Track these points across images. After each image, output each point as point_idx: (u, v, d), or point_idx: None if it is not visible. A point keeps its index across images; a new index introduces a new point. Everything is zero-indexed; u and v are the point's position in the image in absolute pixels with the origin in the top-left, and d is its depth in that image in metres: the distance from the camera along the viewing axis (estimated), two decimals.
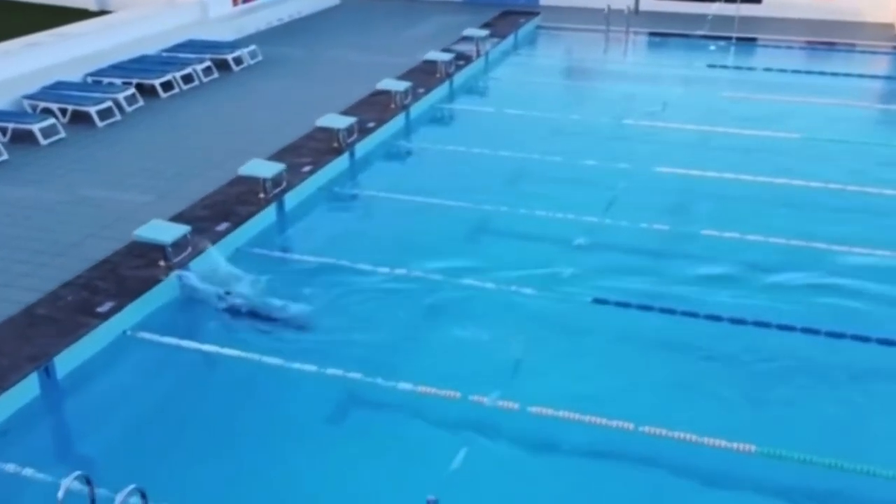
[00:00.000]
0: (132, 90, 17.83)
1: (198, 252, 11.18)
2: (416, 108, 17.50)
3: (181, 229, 11.20)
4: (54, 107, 16.93)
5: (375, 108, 17.11)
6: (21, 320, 9.83)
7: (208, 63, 19.87)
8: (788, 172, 14.57)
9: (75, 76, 18.50)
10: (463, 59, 20.45)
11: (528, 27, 24.52)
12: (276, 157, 14.52)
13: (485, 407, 9.02)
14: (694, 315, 10.68)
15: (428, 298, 11.10)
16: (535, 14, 25.66)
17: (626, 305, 10.90)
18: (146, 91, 18.41)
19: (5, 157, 14.97)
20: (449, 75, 19.19)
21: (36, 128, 15.74)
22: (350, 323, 10.57)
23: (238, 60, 20.70)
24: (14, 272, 11.12)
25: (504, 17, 25.24)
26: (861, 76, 20.50)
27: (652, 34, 24.48)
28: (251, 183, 13.22)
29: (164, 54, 20.41)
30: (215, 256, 11.31)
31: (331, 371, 9.46)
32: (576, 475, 8.42)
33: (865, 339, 10.19)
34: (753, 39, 23.64)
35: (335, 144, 14.98)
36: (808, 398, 9.52)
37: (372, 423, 9.10)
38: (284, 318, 10.44)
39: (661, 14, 25.67)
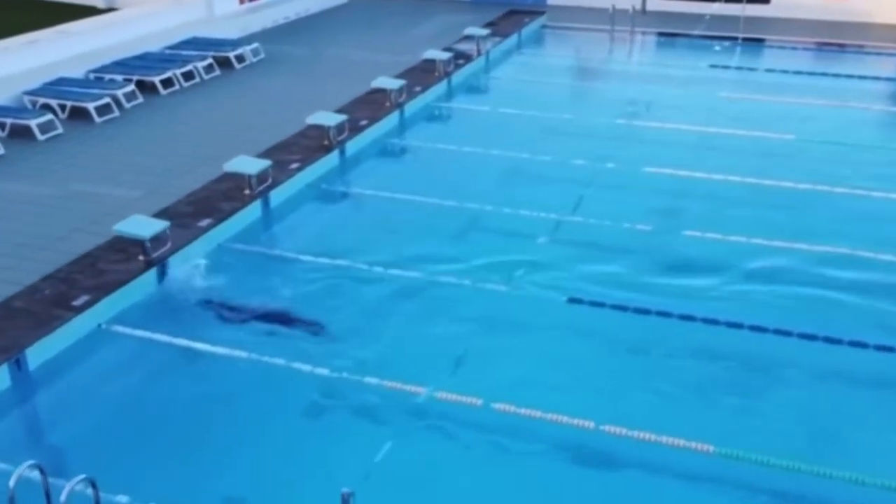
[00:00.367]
0: (132, 87, 18.01)
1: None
2: (412, 107, 17.57)
3: (160, 224, 11.33)
4: (53, 103, 17.15)
5: (371, 106, 17.20)
6: None
7: (210, 60, 20.03)
8: (778, 174, 14.51)
9: (78, 73, 18.68)
10: (463, 59, 20.49)
11: (532, 26, 24.53)
12: (266, 154, 14.64)
13: (450, 402, 9.07)
14: (667, 315, 10.68)
15: (402, 294, 11.18)
16: (541, 13, 25.64)
17: (600, 305, 10.92)
18: (147, 88, 18.59)
19: (2, 151, 15.19)
20: (447, 74, 19.24)
21: (33, 123, 15.95)
22: (323, 317, 10.64)
23: (240, 58, 20.85)
24: None
25: (509, 16, 25.24)
26: (863, 78, 20.32)
27: (657, 34, 24.40)
28: (237, 179, 13.35)
29: (167, 51, 20.58)
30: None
31: (297, 365, 9.55)
32: (531, 472, 8.44)
33: (837, 342, 10.15)
34: (759, 40, 23.52)
35: (325, 142, 15.07)
36: (778, 399, 9.50)
37: (342, 419, 9.15)
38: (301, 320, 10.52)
39: (668, 14, 25.56)
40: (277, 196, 13.50)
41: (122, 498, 7.64)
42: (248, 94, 19.07)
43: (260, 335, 10.36)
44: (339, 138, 15.23)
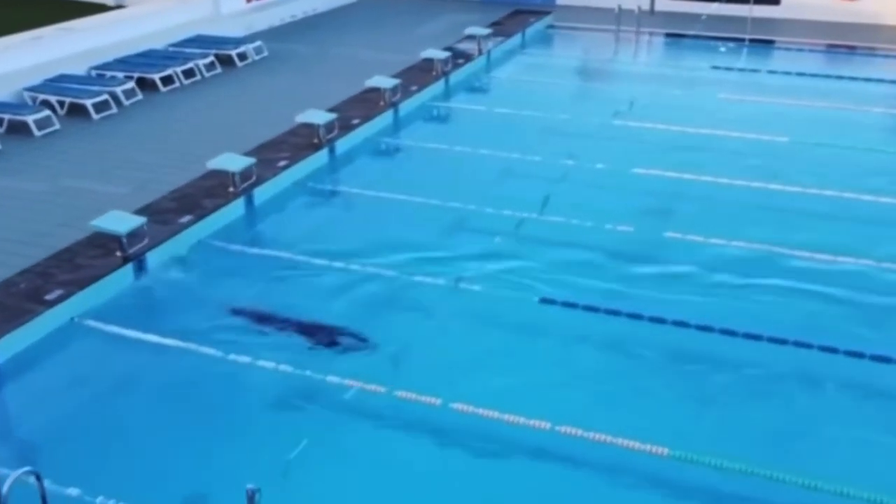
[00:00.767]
0: (131, 84, 18.19)
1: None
2: (407, 106, 17.60)
3: (137, 220, 11.46)
4: (52, 99, 17.35)
5: (365, 105, 17.27)
6: None
7: (212, 58, 20.17)
8: (767, 176, 14.40)
9: (80, 70, 18.89)
10: (463, 58, 20.51)
11: (537, 26, 24.49)
12: (255, 151, 14.74)
13: (409, 402, 9.10)
14: (638, 317, 10.65)
15: (375, 293, 11.22)
16: (547, 13, 25.59)
17: (572, 306, 10.91)
18: (148, 85, 18.76)
19: None
20: (445, 73, 19.26)
21: (30, 119, 16.16)
22: (294, 314, 10.71)
23: (242, 56, 21.00)
24: None
25: (514, 15, 25.22)
26: (868, 80, 20.11)
27: (662, 35, 24.27)
28: (223, 177, 13.45)
29: (171, 49, 20.75)
30: None
31: (262, 363, 9.63)
32: (483, 474, 8.47)
33: (808, 346, 10.08)
34: (766, 41, 23.32)
35: (315, 140, 15.15)
36: (742, 403, 9.47)
37: (308, 416, 9.21)
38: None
39: (677, 14, 25.40)
40: (262, 194, 13.58)
41: (73, 490, 7.72)
42: (248, 91, 19.20)
43: (231, 332, 10.42)
44: (329, 137, 15.30)
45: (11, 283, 10.64)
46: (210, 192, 13.24)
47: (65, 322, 10.28)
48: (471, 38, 21.55)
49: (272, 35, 23.40)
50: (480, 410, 8.93)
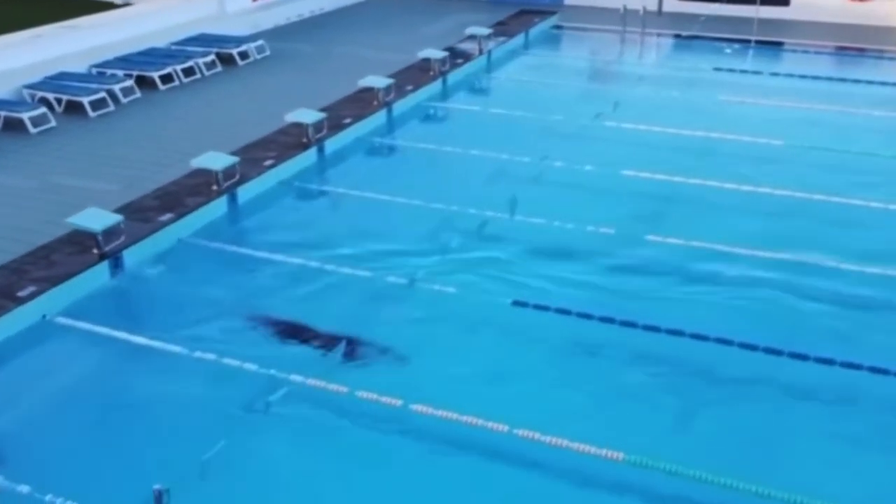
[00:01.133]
0: (129, 82, 18.31)
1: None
2: (401, 106, 17.59)
3: (114, 218, 11.54)
4: (50, 96, 17.51)
5: (358, 104, 17.28)
6: None
7: (212, 57, 20.26)
8: (758, 179, 14.25)
9: (81, 67, 19.04)
10: (462, 58, 20.47)
11: (541, 26, 24.39)
12: (244, 150, 14.80)
13: (370, 401, 9.10)
14: (609, 321, 10.58)
15: (347, 289, 11.24)
16: (552, 13, 25.48)
17: (544, 309, 10.86)
18: (148, 83, 18.88)
19: None
20: (442, 73, 19.23)
21: (26, 116, 16.31)
22: (267, 313, 10.74)
23: (244, 55, 21.08)
24: None
25: (519, 16, 25.14)
26: (870, 83, 19.85)
27: (667, 35, 24.09)
28: (208, 175, 13.51)
29: (173, 48, 20.86)
30: None
31: (226, 360, 9.66)
32: (442, 476, 8.46)
33: (778, 353, 9.98)
34: (772, 43, 23.11)
35: (304, 139, 15.18)
36: (707, 409, 9.39)
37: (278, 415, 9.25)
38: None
39: (685, 15, 25.18)
40: (246, 192, 13.62)
41: (24, 488, 7.78)
42: (247, 90, 19.27)
43: (203, 330, 10.46)
44: (318, 136, 15.32)
45: None
46: (194, 190, 13.30)
47: (36, 319, 10.34)
48: (472, 37, 21.47)
49: (277, 34, 23.49)
50: (440, 412, 8.89)
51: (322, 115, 15.48)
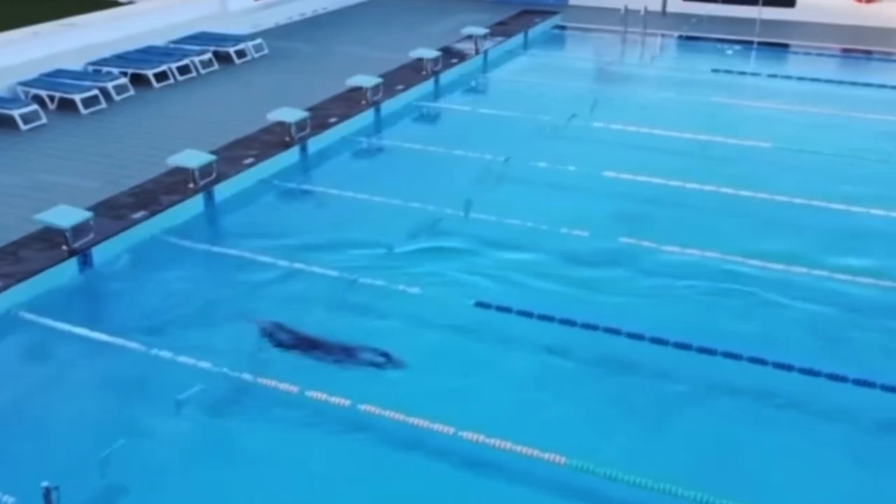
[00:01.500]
0: (124, 79, 18.43)
1: None
2: (389, 105, 17.59)
3: (83, 215, 11.62)
4: (43, 94, 17.67)
5: (346, 103, 17.30)
6: None
7: (209, 55, 20.36)
8: (742, 182, 14.10)
9: (78, 65, 19.19)
10: (457, 57, 20.44)
11: (542, 26, 24.31)
12: (226, 148, 14.88)
13: (319, 401, 9.11)
14: (571, 323, 10.53)
15: (311, 292, 11.26)
16: (554, 13, 25.38)
17: (506, 310, 10.81)
18: (143, 81, 18.99)
19: None
20: (434, 73, 19.21)
21: (16, 113, 16.46)
22: (231, 312, 10.79)
23: (241, 53, 21.17)
24: None
25: (520, 16, 25.06)
26: (869, 85, 19.61)
27: (668, 36, 23.93)
28: (186, 173, 13.57)
29: (170, 46, 20.98)
30: None
31: (182, 359, 9.70)
32: (389, 478, 8.46)
33: (736, 358, 9.87)
34: (774, 44, 22.88)
35: (287, 138, 15.22)
36: (660, 413, 9.32)
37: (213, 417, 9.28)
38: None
39: (688, 16, 25.01)
40: (224, 191, 13.67)
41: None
42: (242, 89, 19.34)
43: (166, 327, 10.52)
44: (301, 135, 15.35)
45: None
46: (171, 188, 13.38)
47: (1, 313, 10.44)
48: (470, 37, 21.44)
49: (277, 33, 23.58)
50: (388, 413, 8.89)
51: (305, 113, 15.52)
